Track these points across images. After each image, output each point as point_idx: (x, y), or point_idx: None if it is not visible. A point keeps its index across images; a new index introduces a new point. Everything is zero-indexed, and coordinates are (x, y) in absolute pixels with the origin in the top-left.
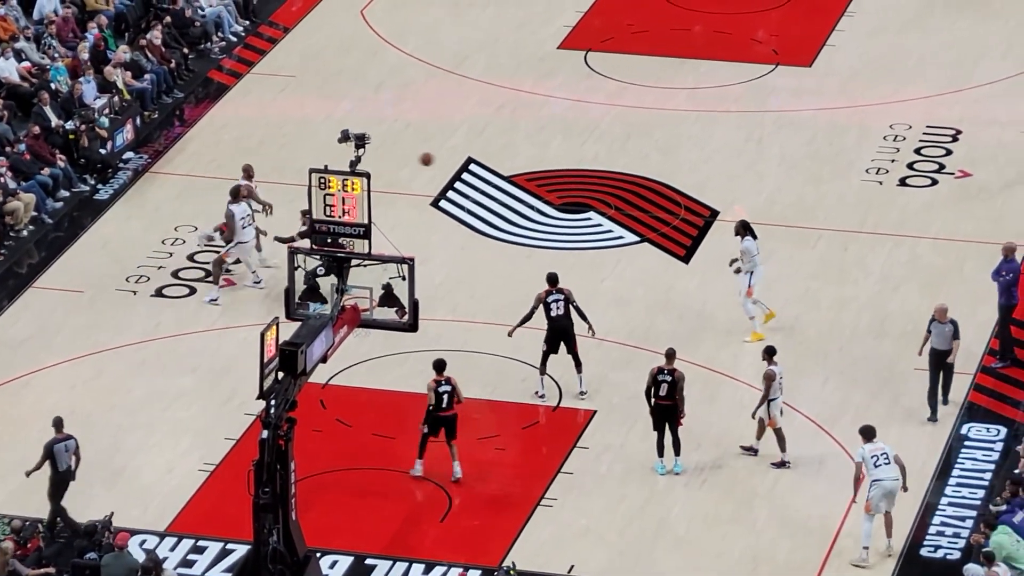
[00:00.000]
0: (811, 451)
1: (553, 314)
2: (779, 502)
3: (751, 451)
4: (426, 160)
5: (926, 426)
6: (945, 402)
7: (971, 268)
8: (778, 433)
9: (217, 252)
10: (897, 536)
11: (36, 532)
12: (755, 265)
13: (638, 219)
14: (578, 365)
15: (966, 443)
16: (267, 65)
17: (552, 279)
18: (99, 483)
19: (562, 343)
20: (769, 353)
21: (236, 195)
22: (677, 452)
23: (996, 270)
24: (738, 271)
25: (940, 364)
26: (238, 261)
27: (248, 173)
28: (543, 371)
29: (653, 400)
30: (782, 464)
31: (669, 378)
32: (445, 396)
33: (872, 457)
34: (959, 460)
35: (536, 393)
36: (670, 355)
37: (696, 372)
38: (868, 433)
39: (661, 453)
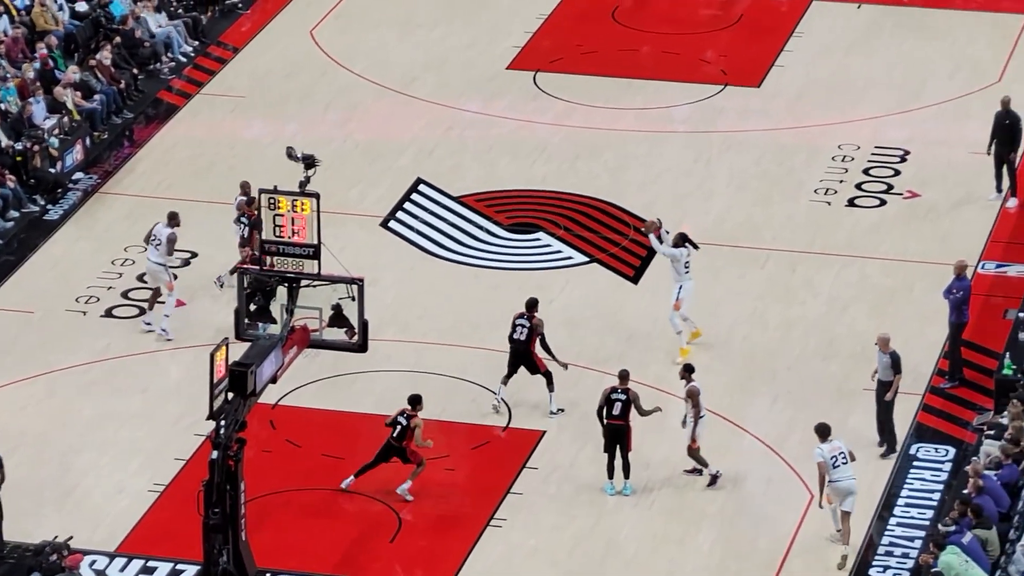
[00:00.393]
0: (760, 471)
1: (514, 336)
2: (727, 523)
3: (696, 472)
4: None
5: (875, 447)
6: (880, 444)
7: (920, 288)
8: (695, 454)
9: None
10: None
11: None
12: (684, 279)
13: (587, 239)
14: (548, 384)
15: (915, 463)
16: (216, 85)
17: (529, 304)
18: (49, 503)
19: (522, 367)
20: (688, 371)
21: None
22: (627, 475)
23: (947, 288)
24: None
25: (882, 395)
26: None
27: (245, 190)
28: (503, 384)
29: (605, 420)
30: (715, 478)
31: (623, 397)
32: (397, 428)
33: (831, 458)
34: (908, 480)
35: (494, 402)
36: (623, 375)
37: (646, 392)
38: (824, 432)
39: (611, 475)
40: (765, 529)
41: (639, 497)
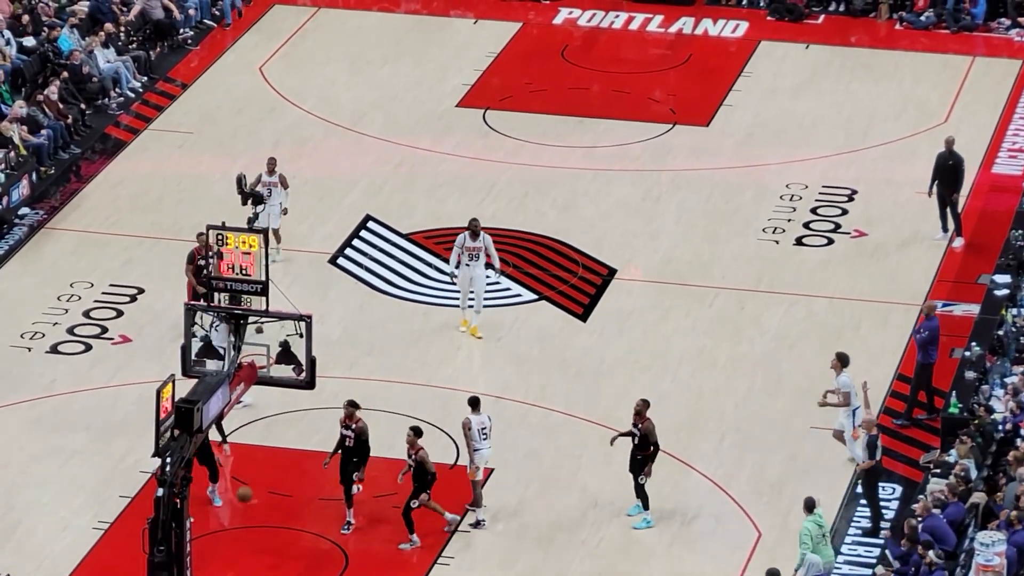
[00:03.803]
0: (708, 509)
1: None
2: (675, 561)
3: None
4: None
5: (821, 485)
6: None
7: (867, 326)
8: (475, 487)
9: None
10: None
11: None
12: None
13: (536, 277)
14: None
15: (862, 502)
16: (164, 121)
17: (472, 403)
18: None
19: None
20: (473, 404)
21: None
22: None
23: (915, 328)
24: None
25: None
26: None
27: (271, 167)
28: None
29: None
30: (478, 523)
31: (637, 431)
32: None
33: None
34: (855, 518)
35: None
36: (638, 410)
37: (591, 429)
38: (844, 360)
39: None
40: (713, 567)
41: (586, 533)
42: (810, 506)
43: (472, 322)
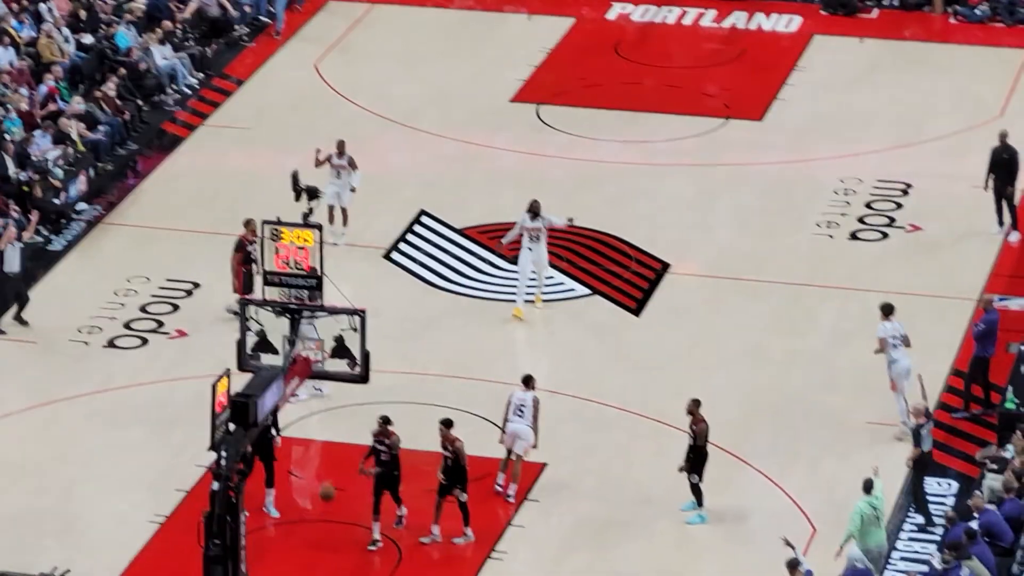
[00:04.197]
0: (763, 505)
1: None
2: (729, 557)
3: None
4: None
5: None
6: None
7: (922, 322)
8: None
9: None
10: None
11: None
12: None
13: (589, 272)
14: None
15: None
16: (221, 117)
17: (524, 380)
18: (50, 535)
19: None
20: (524, 381)
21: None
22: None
23: (976, 323)
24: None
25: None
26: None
27: (340, 149)
28: None
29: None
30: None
31: (689, 430)
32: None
33: (892, 339)
34: (910, 515)
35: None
36: (690, 410)
37: (647, 424)
38: (888, 310)
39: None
40: (767, 564)
41: (640, 529)
42: (867, 487)
43: (525, 300)
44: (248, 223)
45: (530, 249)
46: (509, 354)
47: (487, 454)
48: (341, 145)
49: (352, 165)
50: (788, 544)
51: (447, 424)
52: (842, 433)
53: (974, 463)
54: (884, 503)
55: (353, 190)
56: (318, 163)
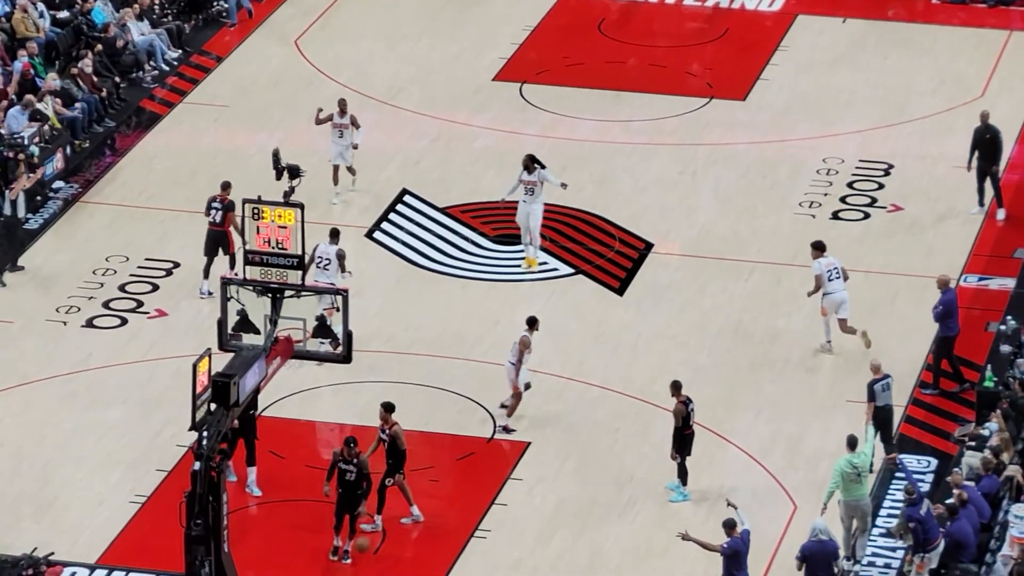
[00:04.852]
0: (744, 483)
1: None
2: (711, 535)
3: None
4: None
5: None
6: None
7: (903, 300)
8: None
9: None
10: None
11: None
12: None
13: (572, 251)
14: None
15: (897, 474)
16: (200, 94)
17: (530, 322)
18: (28, 516)
19: None
20: (530, 323)
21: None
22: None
23: (935, 304)
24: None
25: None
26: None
27: (343, 108)
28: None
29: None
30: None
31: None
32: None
33: (827, 272)
34: (890, 492)
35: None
36: (677, 386)
37: (629, 403)
38: (820, 247)
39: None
40: (750, 541)
41: (623, 508)
42: (851, 443)
43: (530, 254)
44: (225, 186)
45: (524, 202)
46: (492, 334)
47: (470, 433)
48: (343, 103)
49: (355, 123)
50: (730, 504)
51: (387, 408)
52: (823, 411)
53: (952, 440)
54: (868, 461)
55: (355, 147)
56: (318, 121)
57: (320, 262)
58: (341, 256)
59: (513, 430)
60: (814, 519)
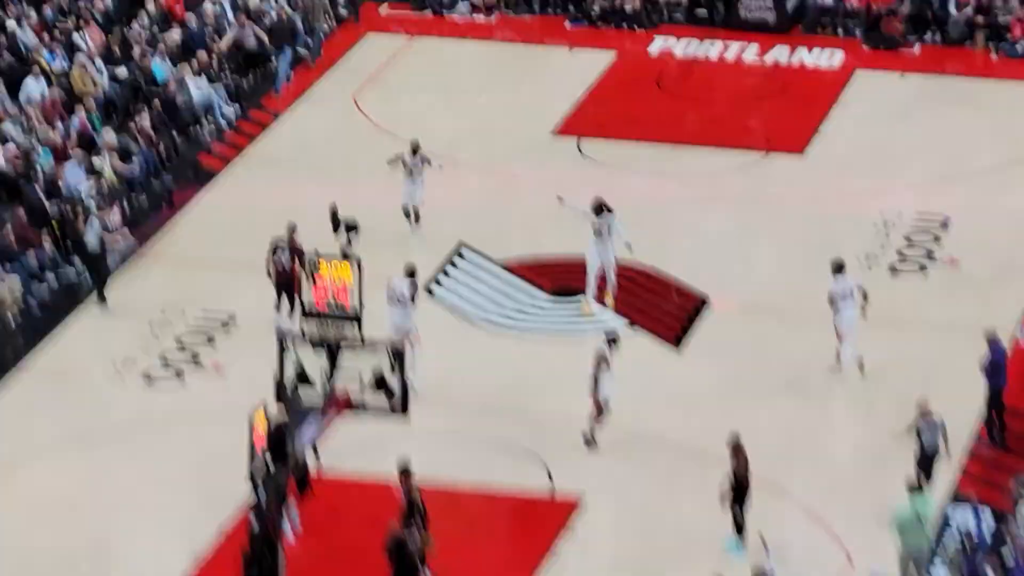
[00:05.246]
0: (802, 538)
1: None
2: None
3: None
4: None
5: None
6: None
7: (961, 356)
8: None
9: None
10: None
11: None
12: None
13: (630, 305)
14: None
15: (947, 526)
16: (257, 150)
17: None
18: (85, 571)
19: None
20: (611, 341)
21: None
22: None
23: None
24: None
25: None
26: None
27: (415, 148)
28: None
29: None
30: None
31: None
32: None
33: (841, 293)
34: (943, 543)
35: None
36: (735, 441)
37: (687, 459)
38: (838, 267)
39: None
40: None
41: (681, 564)
42: (914, 489)
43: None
44: (293, 228)
45: (593, 243)
46: (550, 388)
47: (528, 485)
48: (416, 144)
49: (426, 161)
50: (764, 544)
51: (404, 472)
52: (882, 467)
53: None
54: (930, 508)
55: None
56: (390, 162)
57: (393, 296)
58: (414, 290)
59: (595, 443)
60: (871, 565)
